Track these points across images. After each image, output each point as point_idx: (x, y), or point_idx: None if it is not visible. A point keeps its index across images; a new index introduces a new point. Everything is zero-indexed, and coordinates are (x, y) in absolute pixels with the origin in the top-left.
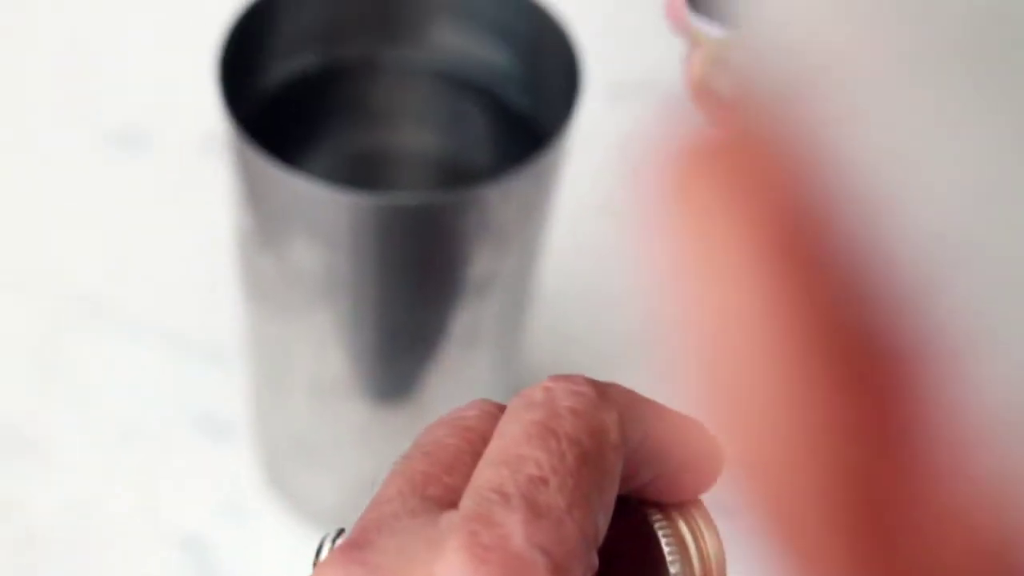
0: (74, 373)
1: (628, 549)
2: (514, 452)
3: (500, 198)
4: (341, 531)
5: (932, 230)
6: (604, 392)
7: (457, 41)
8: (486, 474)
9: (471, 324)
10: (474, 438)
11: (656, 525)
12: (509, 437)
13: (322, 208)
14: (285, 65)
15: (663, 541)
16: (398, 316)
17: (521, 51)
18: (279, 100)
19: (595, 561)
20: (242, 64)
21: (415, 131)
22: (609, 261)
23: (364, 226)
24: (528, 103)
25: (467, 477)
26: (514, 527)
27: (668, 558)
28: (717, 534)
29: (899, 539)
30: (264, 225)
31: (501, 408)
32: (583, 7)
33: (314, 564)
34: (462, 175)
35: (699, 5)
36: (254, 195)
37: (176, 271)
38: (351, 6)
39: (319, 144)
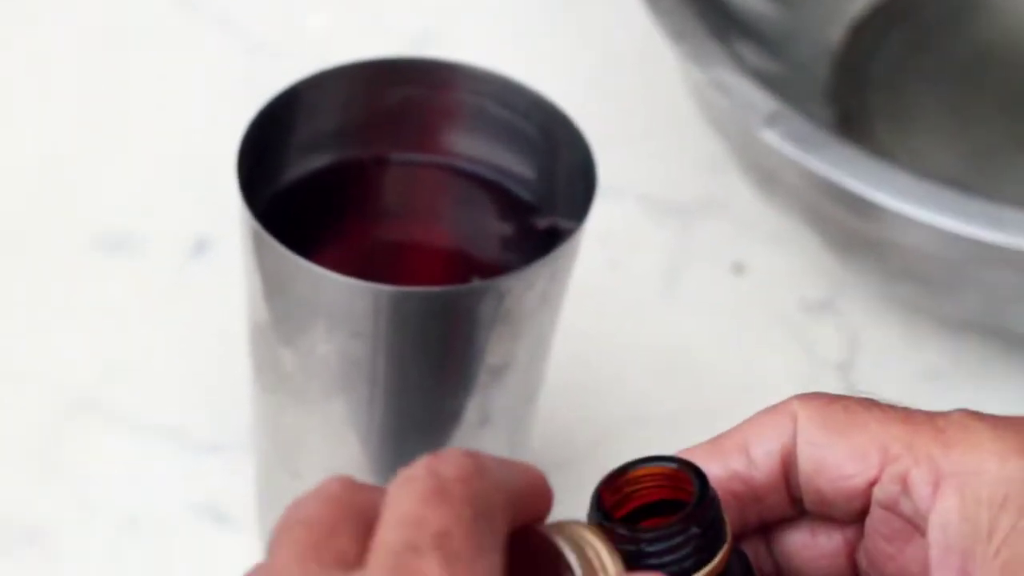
0: (75, 467)
1: None
2: (413, 515)
3: (520, 289)
4: None
5: None
6: (479, 461)
7: (468, 142)
8: (390, 536)
9: (484, 408)
10: (344, 506)
11: (554, 538)
12: (405, 504)
13: (345, 298)
14: (297, 165)
15: (560, 545)
16: (413, 402)
17: (532, 149)
18: (291, 197)
19: None
20: (257, 164)
21: (425, 224)
22: (598, 347)
23: (386, 315)
24: (539, 197)
25: (354, 541)
26: (432, 571)
27: (569, 557)
28: (599, 535)
29: None
30: (283, 317)
31: (358, 482)
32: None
33: None
34: (472, 266)
35: None
36: (273, 288)
37: (170, 368)
38: (363, 112)
39: (330, 239)
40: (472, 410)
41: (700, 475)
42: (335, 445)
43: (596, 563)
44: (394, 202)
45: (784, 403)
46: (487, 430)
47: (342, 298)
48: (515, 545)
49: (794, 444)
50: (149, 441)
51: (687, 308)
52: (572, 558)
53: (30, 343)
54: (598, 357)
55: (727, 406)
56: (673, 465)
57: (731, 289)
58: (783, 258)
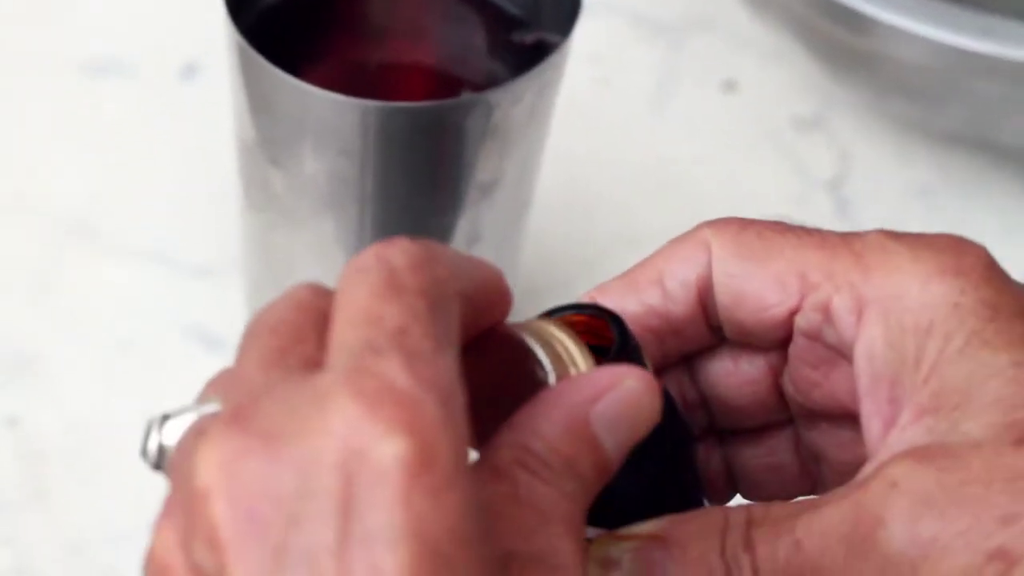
0: (68, 292)
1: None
2: (368, 311)
3: (508, 103)
4: (166, 417)
5: None
6: (430, 248)
7: None
8: (348, 335)
9: (474, 226)
10: (313, 312)
11: (520, 335)
12: (359, 299)
13: (332, 115)
14: None
15: (528, 341)
16: (403, 220)
17: None
18: (277, 15)
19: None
20: None
21: (413, 41)
22: (587, 167)
23: (375, 132)
24: (526, 11)
25: (318, 346)
26: (395, 372)
27: (538, 352)
28: (566, 331)
29: None
30: (271, 136)
31: (328, 288)
32: None
33: (147, 452)
34: (460, 83)
35: None
36: (260, 107)
37: (159, 192)
38: None
39: (317, 58)
40: (462, 228)
41: (618, 322)
42: (325, 264)
43: (566, 357)
44: (381, 19)
45: (695, 231)
46: (477, 249)
47: (329, 115)
48: (480, 348)
49: (709, 274)
50: (140, 265)
51: (677, 126)
52: (541, 353)
53: (20, 170)
54: (586, 176)
55: None
56: (591, 313)
57: (722, 106)
58: (774, 75)
